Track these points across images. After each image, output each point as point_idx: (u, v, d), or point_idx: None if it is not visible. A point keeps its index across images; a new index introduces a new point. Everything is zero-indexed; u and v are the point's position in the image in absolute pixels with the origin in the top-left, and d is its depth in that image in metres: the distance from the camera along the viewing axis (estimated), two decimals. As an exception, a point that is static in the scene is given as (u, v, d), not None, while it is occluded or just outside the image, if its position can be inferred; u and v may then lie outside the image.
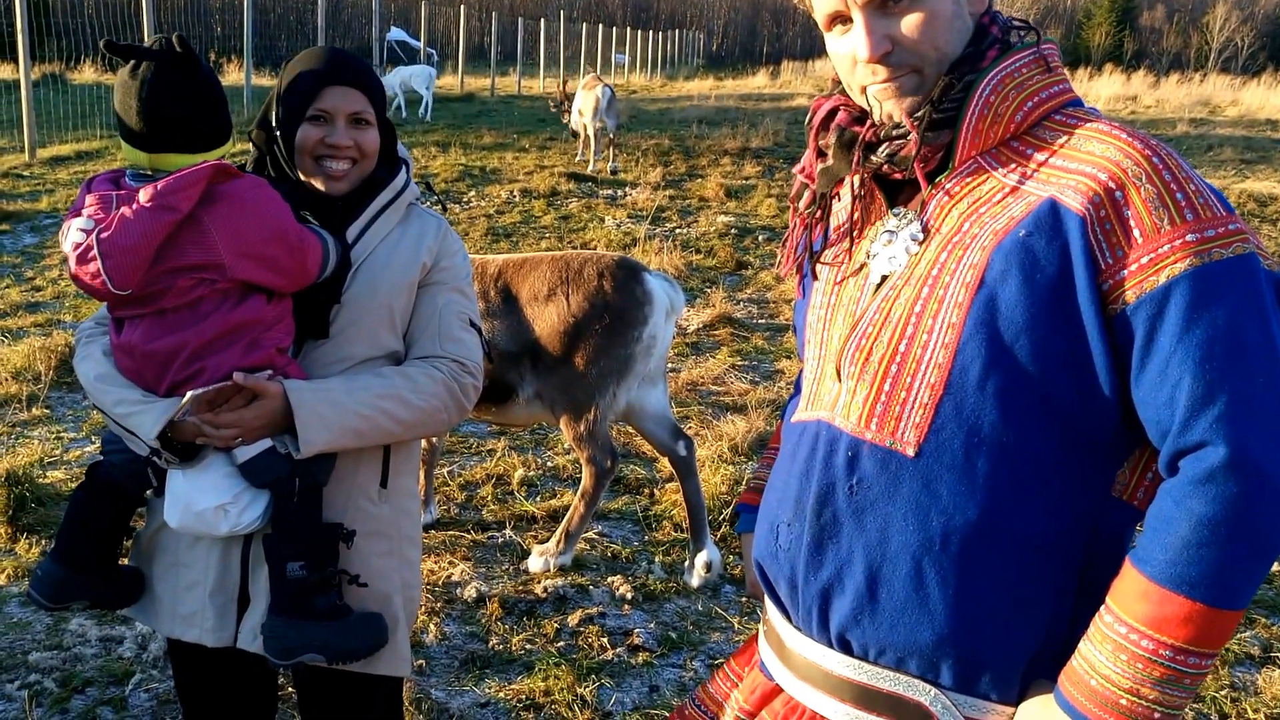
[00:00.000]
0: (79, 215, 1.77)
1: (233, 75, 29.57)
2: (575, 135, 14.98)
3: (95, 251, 1.72)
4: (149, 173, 1.79)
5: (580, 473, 4.84)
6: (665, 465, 4.83)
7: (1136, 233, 1.23)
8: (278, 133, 1.96)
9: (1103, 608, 1.26)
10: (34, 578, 2.00)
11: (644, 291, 3.91)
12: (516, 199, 11.61)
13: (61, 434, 5.20)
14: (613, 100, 13.88)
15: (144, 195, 1.72)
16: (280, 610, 1.87)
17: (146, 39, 15.88)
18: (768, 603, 1.59)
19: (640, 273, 3.97)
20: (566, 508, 4.39)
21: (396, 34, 30.16)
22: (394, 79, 20.35)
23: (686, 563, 4.05)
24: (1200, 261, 1.21)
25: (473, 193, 11.88)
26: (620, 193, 12.23)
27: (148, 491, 1.98)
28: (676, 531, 4.38)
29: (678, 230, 10.40)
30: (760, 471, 1.81)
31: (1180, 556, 1.19)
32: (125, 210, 1.72)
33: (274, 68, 26.61)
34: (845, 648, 1.41)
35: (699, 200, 11.91)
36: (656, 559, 4.17)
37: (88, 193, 1.80)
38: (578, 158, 14.42)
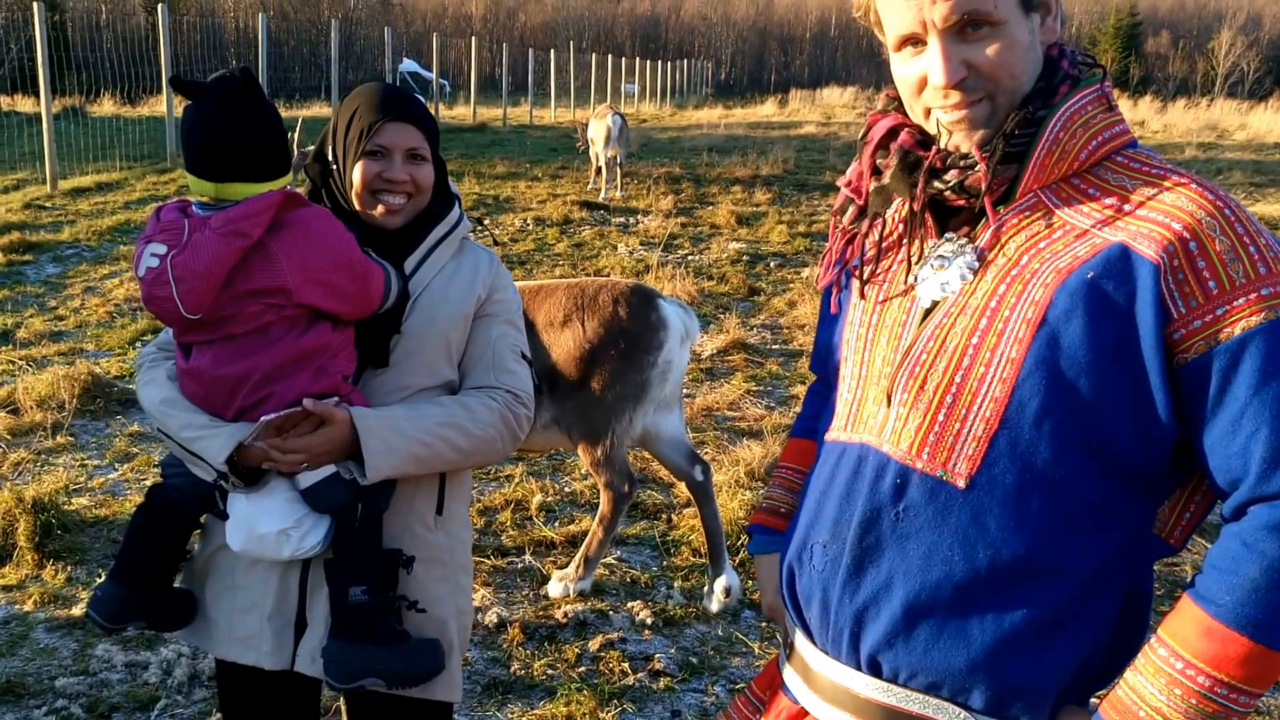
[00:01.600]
0: (151, 241, 1.81)
1: (247, 107, 29.82)
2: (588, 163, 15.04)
3: (169, 276, 1.76)
4: (213, 202, 1.83)
5: (598, 498, 4.87)
6: (682, 490, 4.85)
7: (1211, 284, 1.25)
8: (334, 166, 2.01)
9: (1154, 640, 1.27)
10: (93, 599, 2.03)
11: (659, 317, 3.95)
12: (530, 227, 11.70)
13: (85, 461, 5.25)
14: (624, 128, 13.98)
15: (216, 222, 1.77)
16: (341, 634, 1.89)
17: (164, 72, 15.99)
18: (789, 624, 1.59)
19: (655, 299, 4.01)
20: (585, 533, 4.42)
21: (408, 65, 30.47)
22: None
23: (706, 588, 4.07)
24: (1275, 316, 1.23)
25: (487, 221, 11.97)
26: (632, 220, 12.32)
27: (203, 515, 2.02)
28: (695, 557, 4.40)
29: (690, 257, 10.46)
30: (774, 492, 1.79)
31: (1249, 599, 1.21)
32: (198, 236, 1.77)
33: (288, 99, 26.89)
34: (875, 670, 1.41)
35: (710, 227, 11.98)
36: (675, 584, 4.19)
37: (157, 220, 1.85)
38: (589, 186, 14.52)
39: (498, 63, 39.21)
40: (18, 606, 3.86)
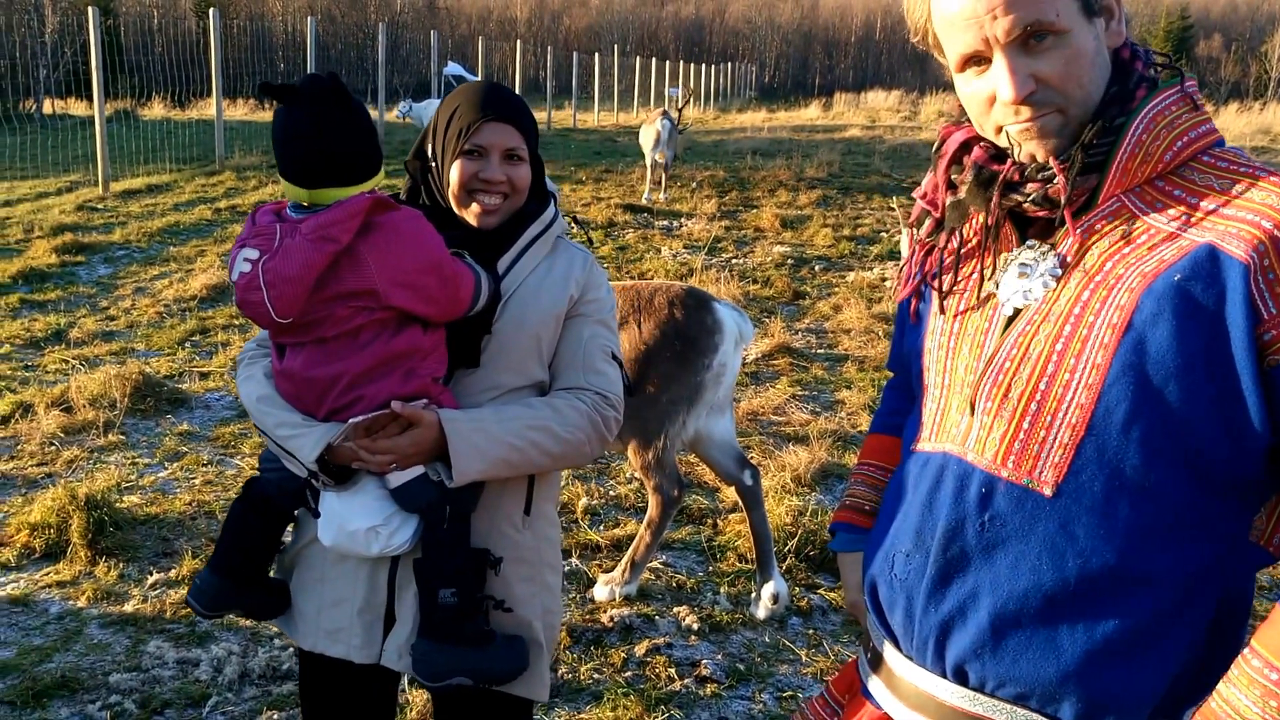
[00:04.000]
0: (245, 246, 1.83)
1: (294, 110, 30.23)
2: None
3: (260, 281, 1.77)
4: (307, 206, 1.83)
5: (643, 501, 4.84)
6: (728, 495, 4.82)
7: None
8: (433, 164, 2.00)
9: (1248, 651, 1.23)
10: (193, 587, 2.07)
11: (714, 320, 3.92)
12: (574, 230, 11.69)
13: (136, 459, 5.31)
14: (673, 132, 13.96)
15: (306, 227, 1.77)
16: (430, 634, 1.90)
17: (214, 74, 16.22)
18: (871, 628, 1.57)
19: (710, 302, 3.98)
20: (630, 537, 4.39)
21: (453, 68, 30.60)
22: (423, 111, 20.19)
23: (753, 594, 4.03)
24: None
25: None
26: (676, 224, 12.29)
27: (297, 509, 2.04)
28: (741, 562, 4.36)
29: (734, 261, 10.42)
30: (856, 489, 1.77)
31: None
32: (288, 242, 1.78)
33: (334, 102, 27.09)
34: (961, 678, 1.39)
35: (754, 231, 11.93)
36: (722, 590, 4.15)
37: (253, 224, 1.86)
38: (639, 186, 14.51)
39: (542, 66, 39.41)
40: (71, 602, 3.91)
